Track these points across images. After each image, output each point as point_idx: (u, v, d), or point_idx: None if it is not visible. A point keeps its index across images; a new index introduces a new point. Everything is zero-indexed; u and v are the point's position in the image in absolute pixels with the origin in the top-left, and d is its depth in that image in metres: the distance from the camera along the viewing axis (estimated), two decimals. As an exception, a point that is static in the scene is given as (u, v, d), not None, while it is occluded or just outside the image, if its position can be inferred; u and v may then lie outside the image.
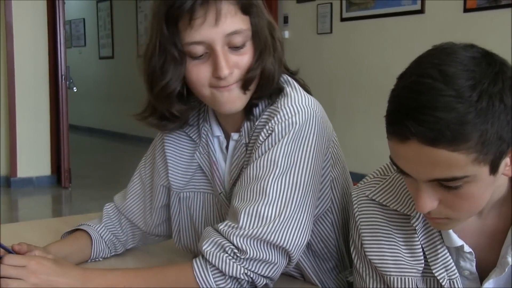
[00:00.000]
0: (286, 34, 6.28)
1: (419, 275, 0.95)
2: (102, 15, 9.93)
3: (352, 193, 1.05)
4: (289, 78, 1.17)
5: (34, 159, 5.81)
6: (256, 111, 1.14)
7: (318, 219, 1.19)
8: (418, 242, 0.95)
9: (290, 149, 1.06)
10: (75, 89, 5.90)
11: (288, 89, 1.13)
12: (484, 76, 0.76)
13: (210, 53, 1.06)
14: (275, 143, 1.07)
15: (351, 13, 5.60)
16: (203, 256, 1.04)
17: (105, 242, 1.32)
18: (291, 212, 1.04)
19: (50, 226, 1.58)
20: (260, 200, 1.04)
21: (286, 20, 6.34)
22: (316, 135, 1.09)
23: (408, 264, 0.95)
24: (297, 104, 1.09)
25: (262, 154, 1.08)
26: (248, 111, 1.14)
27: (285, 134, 1.07)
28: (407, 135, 0.77)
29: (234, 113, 1.13)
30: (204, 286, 1.02)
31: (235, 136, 1.17)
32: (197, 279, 1.02)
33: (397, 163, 0.83)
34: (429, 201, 0.82)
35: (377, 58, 5.34)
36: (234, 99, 1.09)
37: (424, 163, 0.78)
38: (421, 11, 4.96)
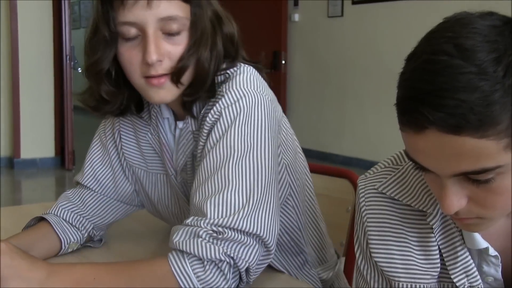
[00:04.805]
0: (296, 17, 6.21)
1: (434, 281, 0.83)
2: (110, -4, 9.85)
3: (359, 184, 0.92)
4: (244, 65, 1.12)
5: (37, 140, 5.81)
6: (196, 108, 1.11)
7: (281, 207, 1.14)
8: (435, 243, 0.83)
9: (244, 132, 1.02)
10: (80, 70, 5.82)
11: (234, 73, 1.09)
12: (510, 46, 0.65)
13: (143, 37, 1.03)
14: (227, 128, 1.02)
15: (363, -4, 5.48)
16: (176, 249, 0.95)
17: (70, 223, 1.21)
18: (259, 196, 0.99)
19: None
20: (225, 188, 0.97)
21: (296, 2, 6.24)
22: (267, 118, 1.04)
23: (421, 268, 0.83)
24: (242, 88, 1.05)
25: (215, 143, 1.02)
26: (186, 108, 1.11)
27: (235, 118, 1.03)
28: (424, 124, 0.66)
29: (164, 103, 1.10)
30: (182, 277, 0.92)
31: (180, 124, 1.15)
32: (173, 269, 0.93)
33: (415, 158, 0.71)
34: (456, 200, 0.70)
35: (390, 43, 5.25)
36: (163, 92, 1.06)
37: (447, 155, 0.66)
38: (436, -6, 4.82)
